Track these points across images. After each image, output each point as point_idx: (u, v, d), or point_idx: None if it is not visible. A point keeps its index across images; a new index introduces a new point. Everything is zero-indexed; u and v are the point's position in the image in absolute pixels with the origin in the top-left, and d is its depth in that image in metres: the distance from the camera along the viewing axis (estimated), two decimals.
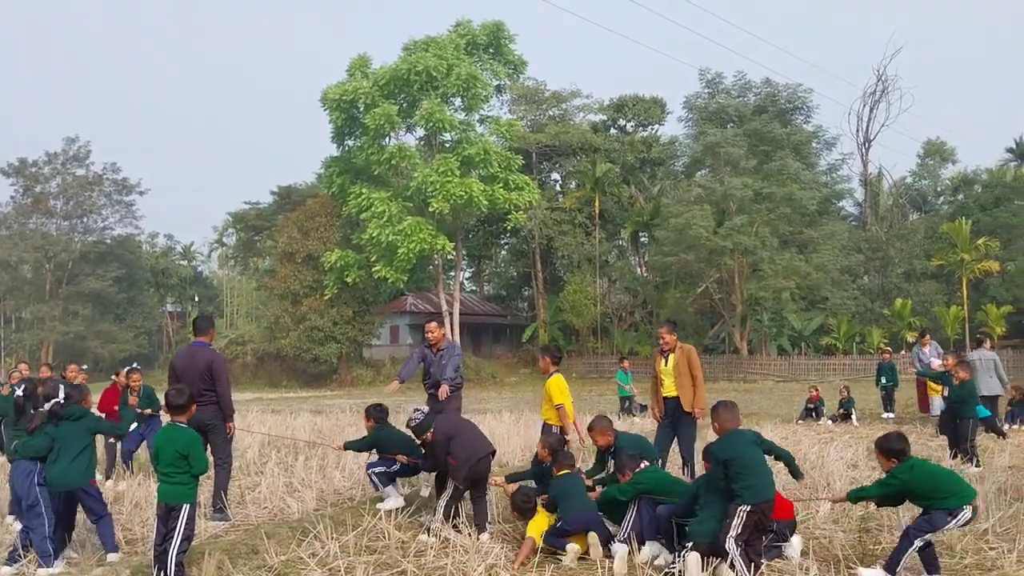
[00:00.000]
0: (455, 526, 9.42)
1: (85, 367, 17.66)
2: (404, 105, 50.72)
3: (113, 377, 15.18)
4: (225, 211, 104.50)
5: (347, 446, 11.97)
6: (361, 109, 50.20)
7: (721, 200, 48.66)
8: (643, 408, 23.54)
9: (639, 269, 64.37)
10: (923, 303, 55.17)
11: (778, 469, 8.47)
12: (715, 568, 7.69)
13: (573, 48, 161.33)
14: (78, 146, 70.72)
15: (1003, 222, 56.33)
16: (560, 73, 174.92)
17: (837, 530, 9.02)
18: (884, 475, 8.01)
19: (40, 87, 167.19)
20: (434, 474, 10.82)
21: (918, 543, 7.48)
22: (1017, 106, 79.24)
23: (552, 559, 8.42)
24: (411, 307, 63.53)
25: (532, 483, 10.45)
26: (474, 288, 78.06)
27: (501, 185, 50.55)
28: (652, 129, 66.04)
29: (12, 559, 8.76)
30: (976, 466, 13.33)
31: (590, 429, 10.54)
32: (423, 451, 10.41)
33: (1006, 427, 18.71)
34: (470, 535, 9.21)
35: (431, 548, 8.90)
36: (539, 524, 8.80)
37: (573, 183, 64.76)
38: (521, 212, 52.32)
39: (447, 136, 51.91)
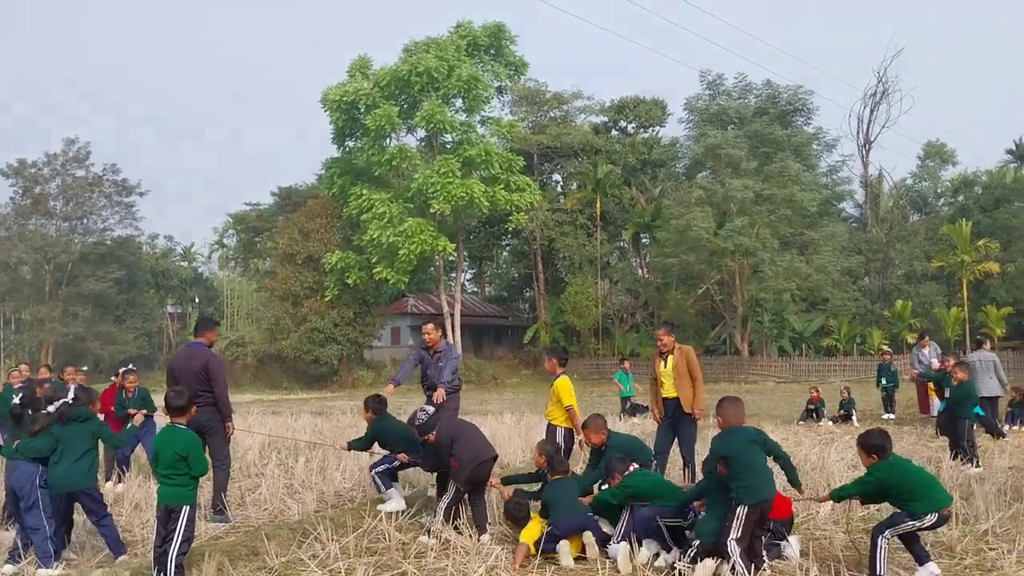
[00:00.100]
0: (456, 528, 9.43)
1: (85, 368, 17.64)
2: (405, 106, 50.72)
3: (113, 378, 15.19)
4: (225, 212, 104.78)
5: (351, 446, 11.99)
6: (362, 110, 50.20)
7: (722, 202, 48.66)
8: (643, 409, 23.53)
9: (640, 270, 64.35)
10: (923, 304, 55.16)
11: (778, 469, 8.46)
12: (716, 569, 7.73)
13: (574, 50, 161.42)
14: (78, 147, 70.67)
15: (1003, 223, 56.30)
16: (561, 74, 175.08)
17: (838, 531, 9.02)
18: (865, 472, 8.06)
19: (39, 88, 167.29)
20: (436, 474, 10.85)
21: (883, 543, 7.56)
22: (1017, 108, 79.43)
23: (552, 561, 8.44)
24: (412, 308, 63.51)
25: (528, 487, 10.49)
26: (475, 289, 78.06)
27: (502, 186, 50.56)
28: (653, 131, 66.01)
29: (13, 558, 8.78)
30: (976, 466, 13.34)
31: (584, 427, 10.63)
32: (423, 448, 10.46)
33: (1006, 428, 18.72)
34: (471, 536, 9.23)
35: (431, 550, 8.92)
36: (532, 531, 8.81)
37: (574, 184, 64.70)
38: (522, 213, 52.31)
39: (448, 137, 51.93)
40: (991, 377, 18.39)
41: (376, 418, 11.61)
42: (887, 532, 7.59)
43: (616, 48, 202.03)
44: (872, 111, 64.61)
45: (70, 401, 9.40)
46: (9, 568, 8.69)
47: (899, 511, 7.66)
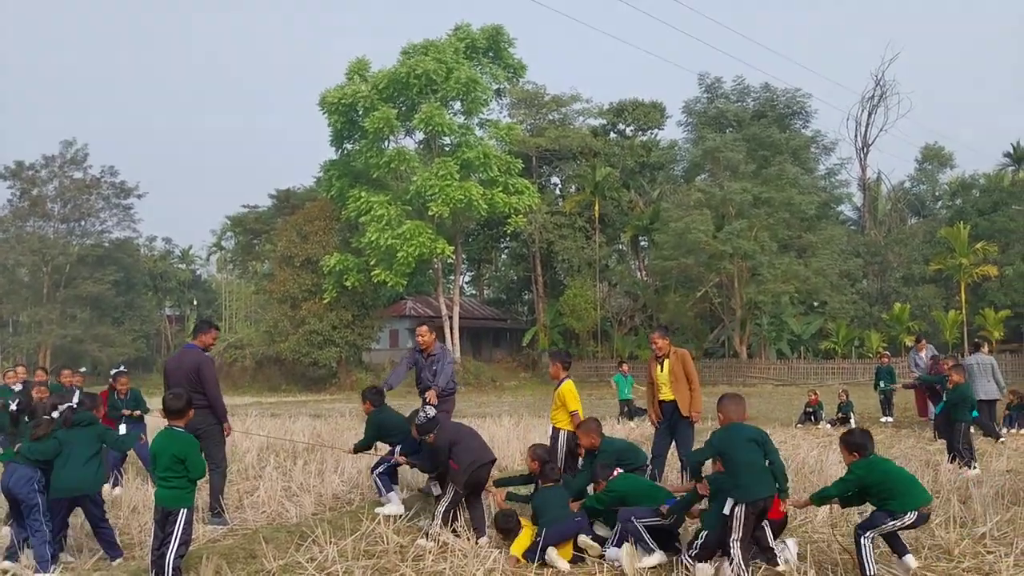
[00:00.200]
0: (454, 531, 9.43)
1: (83, 370, 17.63)
2: (403, 109, 50.76)
3: (110, 380, 15.19)
4: (224, 214, 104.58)
5: (356, 449, 11.97)
6: (360, 112, 50.21)
7: (720, 204, 48.69)
8: (641, 412, 23.51)
9: (639, 273, 64.35)
10: (922, 307, 55.20)
11: None
12: (717, 568, 7.76)
13: (573, 52, 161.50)
14: (75, 149, 70.56)
15: (1001, 226, 56.35)
16: (560, 77, 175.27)
17: (836, 534, 9.01)
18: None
19: (37, 89, 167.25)
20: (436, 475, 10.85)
21: (866, 542, 7.62)
22: (1015, 111, 79.35)
23: (552, 567, 8.44)
24: (411, 311, 63.50)
25: (519, 489, 10.51)
26: (474, 292, 78.09)
27: (501, 189, 50.59)
28: (652, 133, 66.09)
29: (11, 556, 8.78)
30: (974, 469, 13.34)
31: (577, 428, 10.65)
32: (421, 447, 10.48)
33: (1004, 431, 18.71)
34: (469, 539, 9.22)
35: (430, 553, 8.89)
36: (522, 542, 8.81)
37: (573, 187, 64.70)
38: (521, 216, 52.32)
39: (446, 140, 51.97)
40: (989, 380, 18.38)
41: (375, 410, 11.61)
42: (868, 532, 7.66)
43: (615, 52, 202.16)
44: (870, 114, 64.84)
45: (75, 406, 9.41)
46: (7, 564, 8.69)
47: (879, 510, 7.73)
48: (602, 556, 8.58)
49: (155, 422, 12.22)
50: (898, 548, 7.81)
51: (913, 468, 12.93)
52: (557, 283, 62.21)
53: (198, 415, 10.24)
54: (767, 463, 8.02)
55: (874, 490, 7.80)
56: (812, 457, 14.28)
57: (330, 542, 8.91)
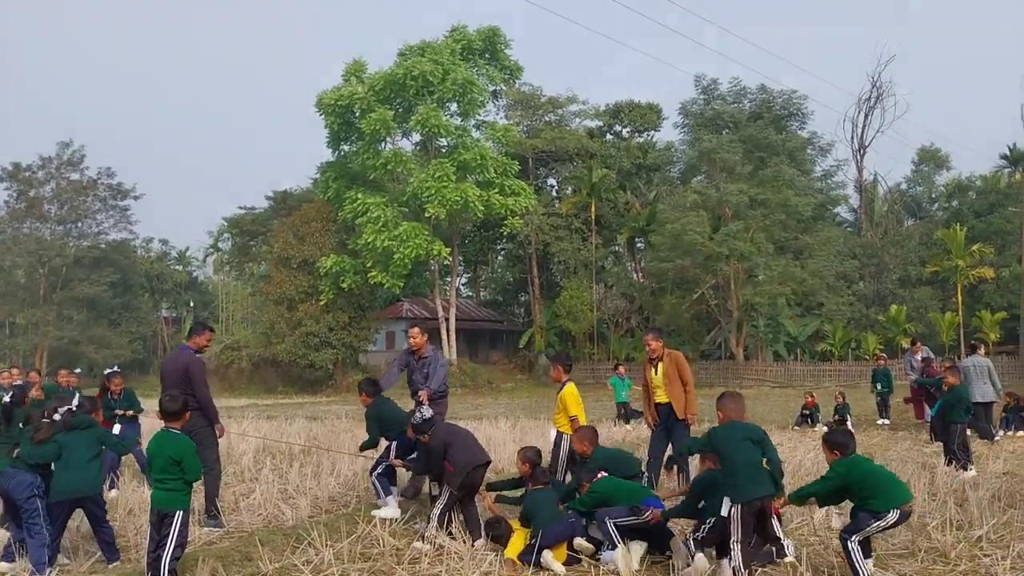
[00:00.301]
0: (450, 533, 9.42)
1: (78, 371, 17.61)
2: (400, 110, 50.81)
3: (104, 381, 15.18)
4: (220, 216, 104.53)
5: (364, 447, 11.92)
6: (357, 114, 50.24)
7: (717, 206, 48.66)
8: (638, 414, 23.49)
9: (635, 275, 64.32)
10: (918, 309, 55.22)
11: None
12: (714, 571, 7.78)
13: (569, 54, 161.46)
14: (72, 150, 70.55)
15: (997, 228, 56.42)
16: (556, 79, 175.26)
17: (832, 536, 9.01)
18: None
19: (34, 91, 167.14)
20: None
21: (853, 546, 7.64)
22: (1011, 113, 79.37)
23: (547, 570, 8.43)
24: (407, 313, 63.42)
25: (510, 492, 10.51)
26: (470, 294, 78.04)
27: (497, 190, 50.65)
28: (648, 135, 66.04)
29: (7, 557, 8.78)
30: (969, 471, 13.34)
31: (573, 433, 10.68)
32: (417, 447, 10.47)
33: (1001, 433, 18.72)
34: (465, 542, 9.22)
35: (426, 555, 8.89)
36: (516, 545, 8.81)
37: (569, 188, 64.71)
38: (517, 217, 52.36)
39: (443, 141, 52.03)
40: (985, 382, 18.37)
41: (373, 403, 11.57)
42: (854, 536, 7.68)
43: (612, 54, 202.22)
44: (866, 116, 64.84)
45: (74, 408, 9.41)
46: (4, 565, 8.68)
47: (861, 512, 7.75)
48: (597, 558, 8.59)
49: (151, 424, 12.21)
50: (865, 550, 7.83)
51: (909, 470, 12.97)
52: (553, 285, 62.22)
53: (190, 417, 10.24)
54: (765, 461, 8.03)
55: (855, 488, 7.85)
56: (809, 459, 14.29)
57: (326, 545, 8.90)
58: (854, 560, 7.58)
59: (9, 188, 69.71)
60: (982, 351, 19.80)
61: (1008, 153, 66.44)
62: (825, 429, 21.57)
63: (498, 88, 56.74)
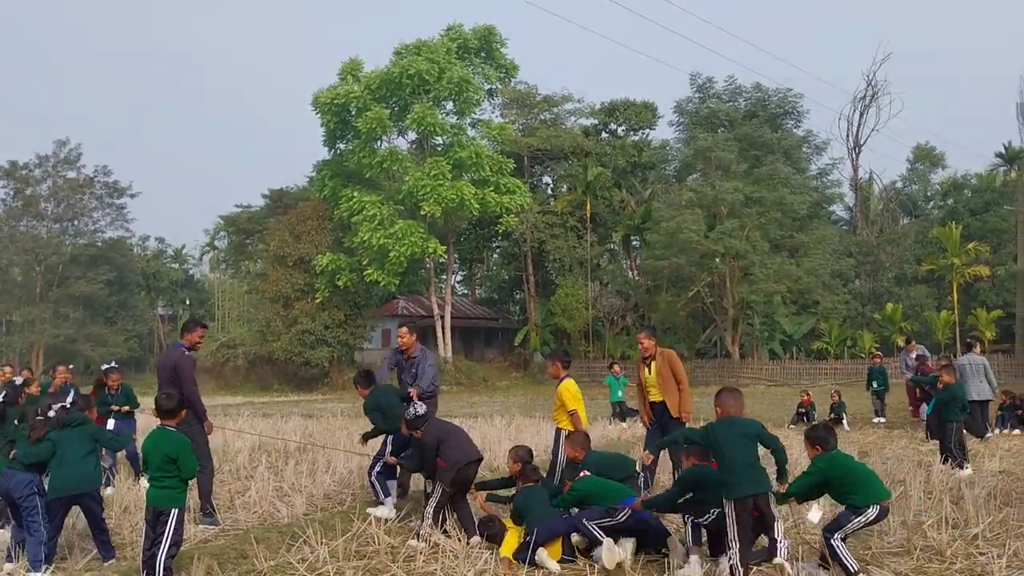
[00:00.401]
0: (444, 531, 9.43)
1: (71, 367, 17.58)
2: (396, 109, 50.75)
3: (101, 376, 15.16)
4: (216, 214, 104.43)
5: (367, 437, 11.87)
6: (353, 113, 50.17)
7: (712, 204, 48.69)
8: (633, 413, 23.49)
9: (631, 273, 64.25)
10: (914, 307, 55.27)
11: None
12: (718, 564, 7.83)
13: (564, 52, 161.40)
14: (69, 149, 70.35)
15: (993, 226, 56.47)
16: (551, 77, 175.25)
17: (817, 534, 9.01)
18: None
19: (31, 89, 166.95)
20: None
21: (837, 542, 7.73)
22: (1006, 111, 79.46)
23: (542, 568, 8.43)
24: (403, 310, 63.37)
25: (504, 492, 10.52)
26: (465, 291, 77.98)
27: (492, 189, 50.63)
28: (643, 133, 65.94)
29: (9, 558, 8.78)
30: (966, 469, 13.35)
31: (567, 438, 10.71)
32: (410, 443, 10.47)
33: (996, 431, 18.76)
34: (460, 540, 9.22)
35: (421, 553, 8.90)
36: (510, 543, 8.82)
37: (564, 187, 64.65)
38: (513, 215, 52.31)
39: (439, 140, 52.01)
40: (981, 380, 18.40)
41: (370, 393, 11.52)
42: (837, 534, 7.76)
43: (607, 52, 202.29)
44: (862, 114, 64.90)
45: (68, 406, 9.41)
46: (8, 566, 8.69)
47: (843, 510, 7.87)
48: (590, 555, 8.61)
49: (146, 421, 12.20)
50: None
51: (905, 469, 13.01)
52: (549, 283, 62.17)
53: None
54: (771, 449, 8.05)
55: (836, 483, 7.96)
56: (804, 458, 14.26)
57: (321, 543, 8.90)
58: (840, 556, 7.64)
59: (6, 186, 69.57)
60: (978, 349, 19.83)
61: (1004, 151, 66.52)
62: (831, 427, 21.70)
63: (494, 87, 56.68)
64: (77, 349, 66.09)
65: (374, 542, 9.31)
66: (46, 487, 8.79)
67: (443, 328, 54.26)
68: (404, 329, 12.26)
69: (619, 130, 65.79)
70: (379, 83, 49.78)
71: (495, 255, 72.06)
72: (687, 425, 12.15)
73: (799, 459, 14.11)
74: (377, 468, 11.24)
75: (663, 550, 8.61)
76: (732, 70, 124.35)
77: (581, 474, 9.52)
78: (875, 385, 23.94)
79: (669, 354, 12.34)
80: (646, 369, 12.26)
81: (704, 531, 8.47)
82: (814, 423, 7.58)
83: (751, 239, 47.27)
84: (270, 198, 73.46)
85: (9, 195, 69.81)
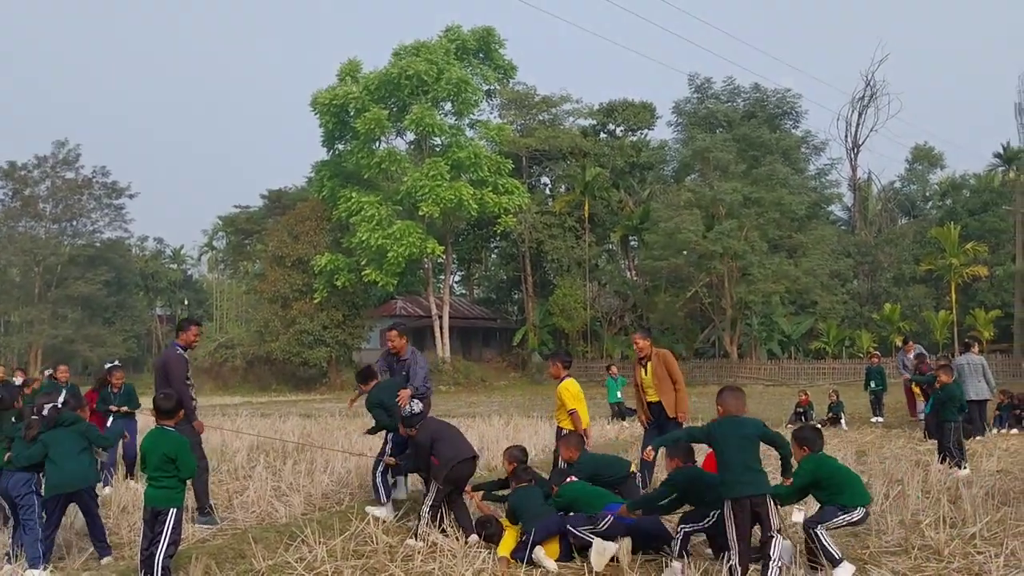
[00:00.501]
0: (442, 530, 9.43)
1: (62, 366, 17.57)
2: (394, 109, 50.77)
3: (104, 374, 15.15)
4: (215, 215, 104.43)
5: (372, 431, 11.84)
6: (351, 113, 50.19)
7: (710, 204, 48.68)
8: (632, 412, 23.49)
9: (629, 273, 64.21)
10: (912, 307, 55.31)
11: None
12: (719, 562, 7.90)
13: (563, 53, 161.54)
14: (67, 149, 70.49)
15: (991, 227, 56.51)
16: (550, 78, 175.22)
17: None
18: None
19: (30, 90, 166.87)
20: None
21: (820, 531, 7.80)
22: (1005, 111, 79.59)
23: (540, 567, 8.44)
24: (401, 311, 63.36)
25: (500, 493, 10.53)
26: (464, 292, 77.96)
27: (491, 189, 50.64)
28: (641, 134, 65.93)
29: (9, 559, 8.79)
30: (963, 469, 13.36)
31: (560, 440, 10.71)
32: (408, 443, 10.49)
33: (994, 431, 18.77)
34: (458, 539, 9.22)
35: (419, 553, 8.90)
36: (508, 543, 8.83)
37: (563, 187, 64.60)
38: (511, 216, 52.32)
39: (437, 140, 52.02)
40: (979, 380, 18.42)
41: (372, 390, 11.46)
42: (820, 526, 7.83)
43: (606, 53, 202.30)
44: (860, 115, 64.99)
45: (59, 406, 9.41)
46: (8, 568, 8.70)
47: (828, 506, 7.94)
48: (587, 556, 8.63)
49: (147, 421, 12.22)
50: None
51: (903, 468, 13.01)
52: (547, 283, 62.09)
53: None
54: (775, 445, 8.08)
55: (825, 483, 8.07)
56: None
57: (319, 542, 8.90)
58: (825, 545, 7.70)
59: (4, 187, 69.70)
60: (976, 349, 19.81)
61: (1002, 151, 66.57)
62: (819, 427, 21.68)
63: (492, 87, 56.72)
64: (75, 349, 66.18)
65: (372, 541, 9.31)
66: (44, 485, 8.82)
67: (441, 328, 54.28)
68: (393, 332, 12.22)
69: (617, 131, 65.78)
70: (378, 84, 49.82)
71: (493, 255, 72.04)
72: (685, 425, 12.18)
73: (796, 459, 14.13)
74: (381, 468, 11.23)
75: (664, 548, 8.59)
76: (731, 70, 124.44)
77: (569, 479, 9.53)
78: (873, 385, 23.95)
79: (664, 354, 12.34)
80: (642, 370, 12.28)
81: (691, 540, 8.51)
82: (802, 424, 7.64)
83: (749, 239, 47.29)
84: (268, 198, 73.48)
85: (8, 196, 70.03)
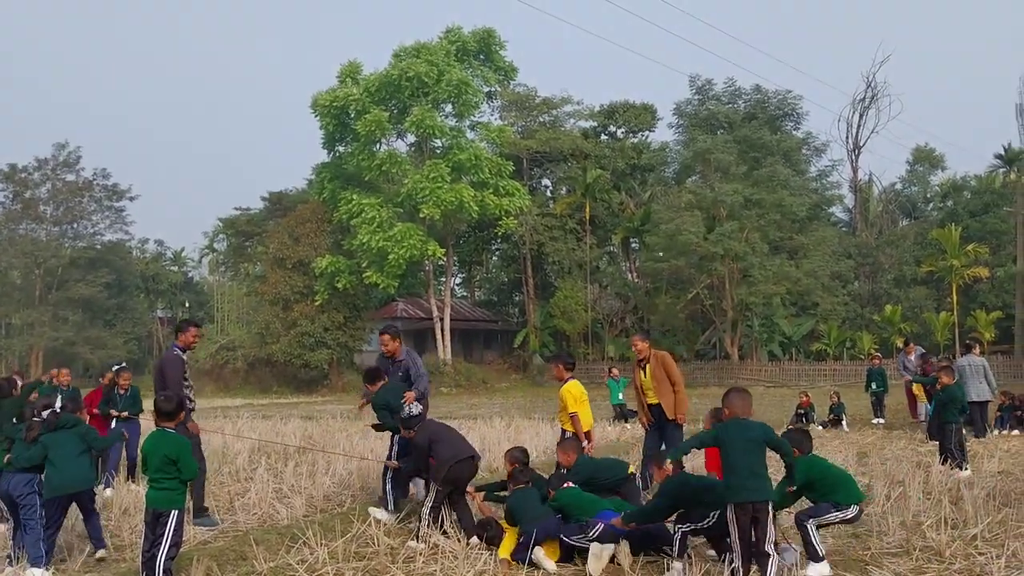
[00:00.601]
0: (444, 532, 9.43)
1: (65, 369, 17.57)
2: (395, 111, 50.78)
3: (100, 380, 15.14)
4: (216, 217, 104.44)
5: (378, 427, 11.81)
6: (352, 115, 50.21)
7: (711, 206, 48.68)
8: (634, 414, 23.48)
9: (630, 275, 64.18)
10: (913, 309, 55.29)
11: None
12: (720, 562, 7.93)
13: (563, 55, 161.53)
14: (68, 152, 70.43)
15: (992, 228, 56.49)
16: (550, 79, 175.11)
17: (827, 535, 9.01)
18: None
19: (30, 92, 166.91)
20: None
21: (813, 526, 7.91)
22: (1006, 113, 79.55)
23: (539, 568, 8.44)
24: (402, 313, 63.35)
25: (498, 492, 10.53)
26: (465, 294, 77.90)
27: (492, 191, 50.64)
28: (642, 135, 65.89)
29: (11, 560, 8.80)
30: (965, 470, 13.36)
31: (558, 445, 10.71)
32: (410, 445, 10.49)
33: (995, 432, 18.77)
34: (459, 541, 9.22)
35: (420, 554, 8.90)
36: (507, 545, 8.86)
37: (564, 189, 64.59)
38: (512, 218, 52.31)
39: (438, 142, 52.05)
40: (980, 381, 18.42)
41: (378, 391, 11.44)
42: (811, 520, 7.92)
43: (607, 55, 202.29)
44: (861, 116, 64.86)
45: (58, 410, 9.44)
46: (9, 570, 8.71)
47: (822, 502, 8.03)
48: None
49: (149, 424, 12.22)
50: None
51: (904, 469, 13.01)
52: (548, 285, 62.06)
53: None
54: (781, 453, 8.05)
55: (818, 483, 8.16)
56: None
57: (321, 544, 8.91)
58: (813, 539, 7.81)
59: (5, 189, 69.69)
60: (977, 350, 19.83)
61: (1003, 153, 66.54)
62: (820, 429, 21.70)
63: (493, 89, 56.74)
64: (76, 352, 66.16)
65: (374, 543, 9.32)
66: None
67: (442, 330, 54.29)
68: (386, 336, 12.17)
69: (618, 132, 65.77)
70: (378, 86, 49.84)
71: (494, 257, 72.01)
72: (683, 426, 12.19)
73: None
74: (390, 474, 11.22)
75: (664, 549, 8.58)
76: (731, 72, 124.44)
77: (565, 485, 9.54)
78: (874, 386, 23.94)
79: (662, 356, 12.35)
80: (642, 372, 12.30)
81: (692, 541, 8.52)
82: (791, 427, 7.63)
83: (750, 241, 47.30)
84: (269, 201, 73.42)
85: (8, 198, 69.99)
